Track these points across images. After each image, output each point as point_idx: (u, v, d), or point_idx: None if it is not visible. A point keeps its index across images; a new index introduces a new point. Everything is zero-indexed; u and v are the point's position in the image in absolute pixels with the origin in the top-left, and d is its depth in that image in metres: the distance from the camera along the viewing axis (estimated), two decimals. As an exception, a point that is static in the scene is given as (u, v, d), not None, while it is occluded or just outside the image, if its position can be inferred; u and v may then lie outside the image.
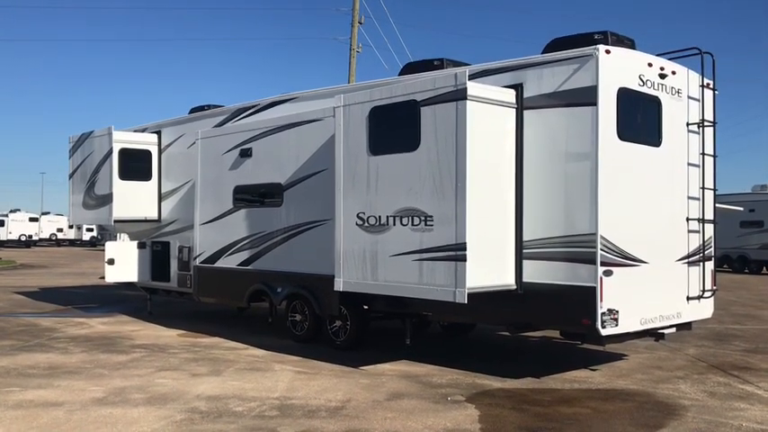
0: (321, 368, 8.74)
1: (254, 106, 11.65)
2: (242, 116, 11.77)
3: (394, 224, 8.15)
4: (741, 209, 24.32)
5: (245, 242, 11.05)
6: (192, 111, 13.35)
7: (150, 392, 7.40)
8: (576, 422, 6.50)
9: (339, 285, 8.78)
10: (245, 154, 10.96)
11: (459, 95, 7.53)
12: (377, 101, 8.39)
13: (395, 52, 58.07)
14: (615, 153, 7.67)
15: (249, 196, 11.04)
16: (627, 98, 7.80)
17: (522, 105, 8.09)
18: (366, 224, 8.44)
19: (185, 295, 12.95)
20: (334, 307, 9.63)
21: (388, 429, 6.17)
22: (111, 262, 13.39)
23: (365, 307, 9.74)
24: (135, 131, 14.05)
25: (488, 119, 7.86)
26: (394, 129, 8.30)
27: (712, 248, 8.96)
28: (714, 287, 8.89)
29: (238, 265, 11.16)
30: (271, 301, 10.83)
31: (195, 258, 12.03)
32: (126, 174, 13.28)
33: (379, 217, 8.31)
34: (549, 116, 7.90)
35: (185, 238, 12.72)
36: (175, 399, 7.15)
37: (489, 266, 7.83)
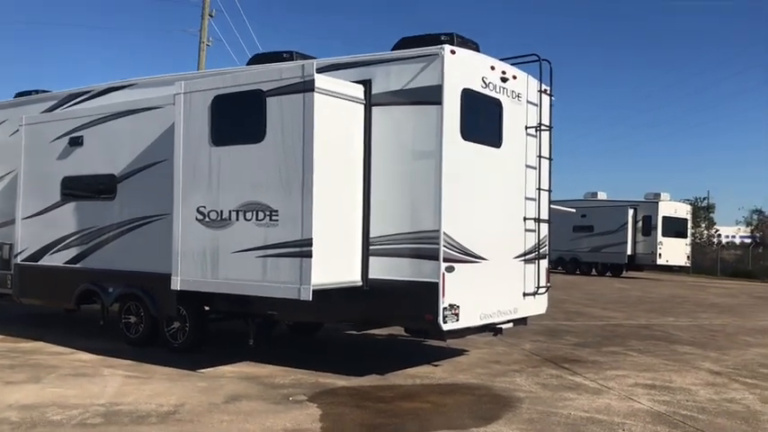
0: (155, 372, 8.19)
1: (87, 92, 10.81)
2: (74, 102, 10.88)
3: (237, 219, 7.81)
4: (574, 210, 26.12)
5: (73, 238, 10.18)
6: (18, 95, 12.19)
7: (-48, 404, 6.56)
8: (417, 417, 6.51)
9: (176, 284, 8.28)
10: (76, 142, 10.11)
11: (307, 87, 7.35)
12: (220, 89, 8.01)
13: (247, 48, 56.84)
14: (458, 152, 7.79)
15: (79, 188, 10.19)
16: (470, 99, 7.96)
17: (370, 101, 8.03)
18: (207, 219, 8.03)
19: (5, 297, 11.77)
20: (171, 307, 9.06)
21: (223, 433, 5.84)
22: None
23: (206, 307, 9.28)
24: (-53, 116, 12.59)
25: (336, 113, 7.73)
26: (238, 119, 7.96)
27: (547, 247, 9.39)
28: (548, 284, 9.31)
29: (65, 263, 10.26)
30: (102, 302, 10.06)
31: (16, 256, 10.95)
32: None
33: (221, 211, 7.93)
34: (396, 113, 7.90)
35: (6, 234, 11.52)
36: (-18, 410, 6.38)
37: (335, 263, 7.70)
